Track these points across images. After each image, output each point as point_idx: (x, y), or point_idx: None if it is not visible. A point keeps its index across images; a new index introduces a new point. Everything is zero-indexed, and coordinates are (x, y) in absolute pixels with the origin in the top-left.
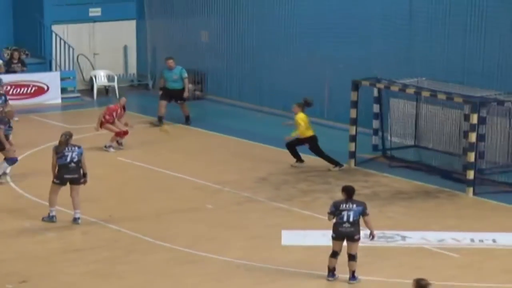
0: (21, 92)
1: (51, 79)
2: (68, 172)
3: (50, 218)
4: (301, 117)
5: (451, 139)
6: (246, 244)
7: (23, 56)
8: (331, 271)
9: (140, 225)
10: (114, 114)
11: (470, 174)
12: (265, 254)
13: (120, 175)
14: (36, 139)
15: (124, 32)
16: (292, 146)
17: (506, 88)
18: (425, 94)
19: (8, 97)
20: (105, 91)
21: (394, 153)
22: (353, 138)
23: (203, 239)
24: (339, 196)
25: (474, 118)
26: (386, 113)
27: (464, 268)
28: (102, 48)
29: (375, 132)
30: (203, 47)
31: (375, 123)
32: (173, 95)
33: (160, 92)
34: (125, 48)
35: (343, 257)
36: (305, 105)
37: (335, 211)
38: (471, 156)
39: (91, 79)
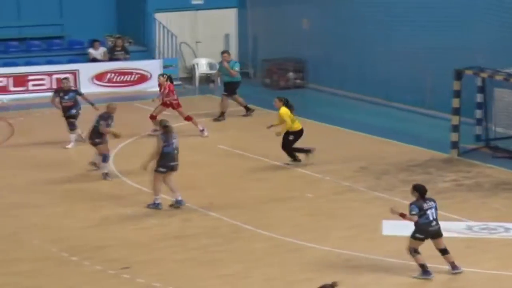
0: (124, 79)
1: (153, 67)
2: (173, 160)
3: (156, 206)
4: (284, 111)
5: None
6: (346, 233)
7: (126, 44)
8: (425, 268)
9: (241, 213)
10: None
11: None
12: (366, 244)
13: (221, 163)
14: (138, 126)
15: (226, 20)
16: (288, 147)
17: None
18: None
19: (111, 84)
20: (206, 78)
21: (498, 143)
22: (455, 128)
23: (303, 228)
24: (441, 186)
25: None
26: (490, 103)
27: None
28: (204, 36)
29: (478, 122)
30: (303, 35)
31: (478, 113)
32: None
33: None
34: (227, 36)
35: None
36: (287, 106)
37: (420, 212)
38: None
39: (192, 67)
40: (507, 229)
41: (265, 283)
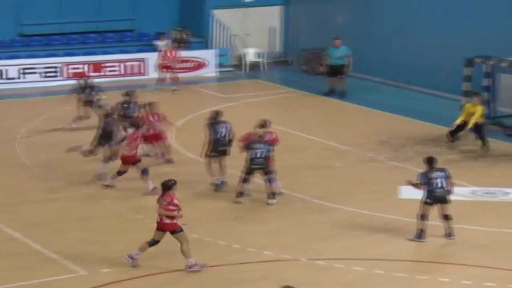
0: (184, 66)
1: (209, 55)
2: (223, 145)
3: (217, 186)
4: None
5: None
6: (369, 197)
7: (185, 37)
8: (423, 232)
9: (279, 180)
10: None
11: None
12: (385, 206)
13: None
14: (196, 106)
15: (272, 15)
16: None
17: None
18: None
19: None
20: (254, 66)
21: (502, 121)
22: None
23: (332, 193)
24: (451, 158)
25: None
26: (495, 86)
27: None
28: (253, 29)
29: (484, 102)
30: (338, 29)
31: (485, 95)
32: (336, 70)
33: (322, 69)
34: (272, 29)
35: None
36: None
37: (427, 181)
38: None
39: (242, 56)
40: (505, 193)
41: (301, 238)
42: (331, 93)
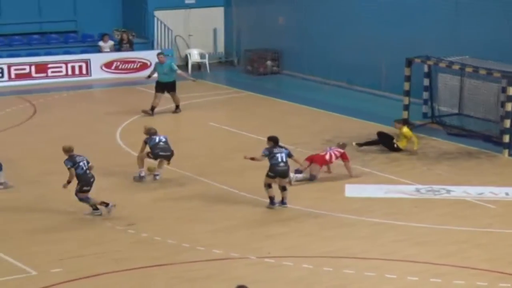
0: (128, 67)
1: (153, 56)
2: (163, 150)
3: (141, 178)
4: (406, 130)
5: (490, 108)
6: (315, 195)
7: (131, 37)
8: (273, 199)
9: (227, 179)
10: None
11: (506, 138)
12: (331, 204)
13: (211, 137)
14: (138, 107)
15: (214, 17)
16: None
17: None
18: (468, 70)
19: (117, 71)
20: (198, 66)
21: (443, 120)
22: (406, 107)
23: (279, 191)
24: (395, 156)
25: (511, 91)
26: (435, 86)
27: (500, 217)
28: (195, 30)
29: (425, 102)
30: (279, 29)
31: (425, 95)
32: (164, 87)
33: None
34: (215, 30)
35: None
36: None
37: (269, 154)
38: (507, 123)
39: (186, 56)
40: (448, 191)
41: (249, 236)
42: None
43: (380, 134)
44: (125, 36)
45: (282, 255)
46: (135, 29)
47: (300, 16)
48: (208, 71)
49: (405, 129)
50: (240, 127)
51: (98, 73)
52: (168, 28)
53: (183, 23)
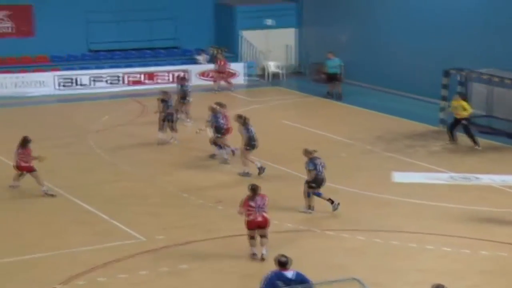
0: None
1: (239, 67)
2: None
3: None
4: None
5: None
6: (368, 180)
7: (223, 52)
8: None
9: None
10: None
11: None
12: (381, 188)
13: (282, 133)
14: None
15: (288, 36)
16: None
17: None
18: (495, 79)
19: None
20: (275, 75)
21: (475, 120)
22: (443, 109)
23: (338, 176)
24: (433, 149)
25: None
26: (468, 93)
27: None
28: (273, 47)
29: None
30: (341, 45)
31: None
32: (332, 78)
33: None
34: (288, 46)
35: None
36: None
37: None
38: None
39: (265, 67)
40: (477, 178)
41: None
42: (329, 95)
43: (451, 124)
44: (218, 51)
45: (340, 229)
46: (225, 46)
47: (358, 34)
48: (284, 79)
49: (464, 102)
50: (307, 124)
51: (195, 80)
52: (251, 45)
53: (263, 41)
